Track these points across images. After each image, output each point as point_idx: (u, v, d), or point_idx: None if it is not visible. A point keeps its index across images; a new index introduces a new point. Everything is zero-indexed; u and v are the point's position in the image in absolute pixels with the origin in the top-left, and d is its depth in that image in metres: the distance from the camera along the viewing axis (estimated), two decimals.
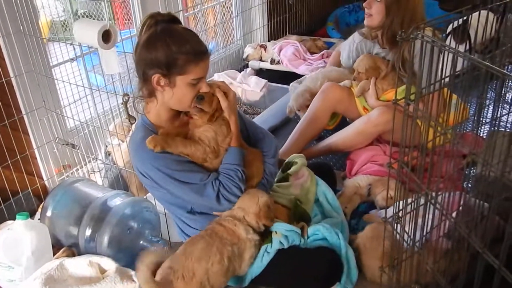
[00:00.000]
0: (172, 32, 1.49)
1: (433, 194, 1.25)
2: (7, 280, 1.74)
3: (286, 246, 1.58)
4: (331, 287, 1.55)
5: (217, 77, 3.18)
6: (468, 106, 1.22)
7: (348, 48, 2.60)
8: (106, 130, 2.35)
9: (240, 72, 3.28)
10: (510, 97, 2.38)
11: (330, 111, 2.45)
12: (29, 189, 2.22)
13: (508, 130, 1.73)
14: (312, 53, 3.53)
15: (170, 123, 1.60)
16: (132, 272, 1.69)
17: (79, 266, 1.73)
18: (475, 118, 1.31)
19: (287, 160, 1.95)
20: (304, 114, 2.51)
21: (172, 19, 1.54)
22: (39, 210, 2.06)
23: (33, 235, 1.75)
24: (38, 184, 2.27)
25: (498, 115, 1.34)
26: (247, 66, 3.57)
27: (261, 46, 3.55)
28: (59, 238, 1.90)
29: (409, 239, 1.35)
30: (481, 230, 1.54)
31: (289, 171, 1.86)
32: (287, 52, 3.43)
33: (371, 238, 1.76)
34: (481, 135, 2.36)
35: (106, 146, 2.38)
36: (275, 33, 3.91)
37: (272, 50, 3.51)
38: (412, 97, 1.11)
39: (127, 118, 1.75)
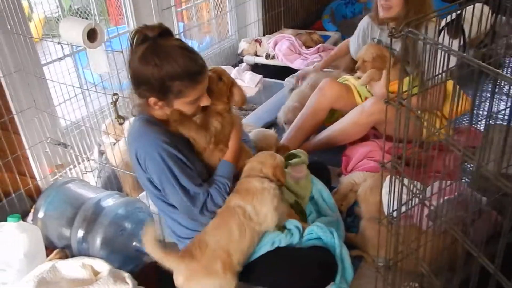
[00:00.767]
0: (163, 52, 1.39)
1: (427, 194, 1.23)
2: None
3: (293, 241, 1.58)
4: (326, 287, 1.54)
5: None
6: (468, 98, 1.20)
7: (356, 36, 2.65)
8: (98, 130, 2.32)
9: (234, 68, 3.24)
10: (506, 90, 2.36)
11: (328, 108, 2.44)
12: (22, 190, 2.20)
13: (505, 124, 1.70)
14: (307, 47, 3.49)
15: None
16: (126, 274, 1.68)
17: (72, 268, 1.71)
18: (472, 112, 1.29)
19: (292, 151, 1.96)
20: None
21: (162, 33, 1.43)
22: (32, 211, 2.04)
23: (25, 238, 1.73)
24: (31, 185, 2.25)
25: (494, 109, 1.32)
26: (242, 61, 3.54)
27: (256, 40, 3.52)
28: (52, 240, 1.88)
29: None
30: (479, 227, 1.53)
31: (291, 161, 1.87)
32: (282, 46, 3.40)
33: (370, 188, 1.86)
34: (480, 129, 2.34)
35: (100, 146, 2.35)
36: (270, 27, 3.87)
37: (267, 45, 3.48)
38: (415, 90, 1.09)
39: (116, 119, 1.72)
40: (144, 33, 1.41)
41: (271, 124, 2.74)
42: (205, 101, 1.51)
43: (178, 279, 1.47)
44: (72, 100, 2.27)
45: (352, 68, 3.10)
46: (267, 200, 1.52)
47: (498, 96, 2.11)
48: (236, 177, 1.61)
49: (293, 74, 3.00)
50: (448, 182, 1.46)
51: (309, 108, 2.45)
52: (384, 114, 2.14)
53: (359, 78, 2.45)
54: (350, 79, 2.56)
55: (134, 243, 1.82)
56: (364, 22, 2.61)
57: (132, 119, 1.60)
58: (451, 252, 1.45)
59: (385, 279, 1.41)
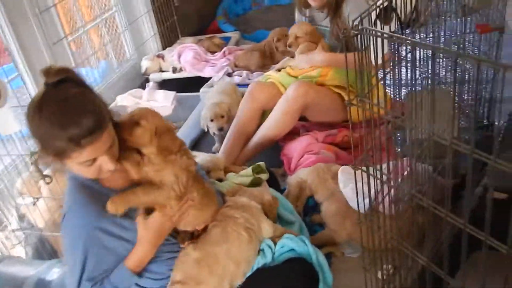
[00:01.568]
0: (52, 106, 1.19)
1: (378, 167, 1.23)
2: None
3: (267, 261, 1.52)
4: None
5: (120, 99, 2.95)
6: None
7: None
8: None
9: (143, 89, 3.07)
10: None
11: (261, 111, 2.39)
12: None
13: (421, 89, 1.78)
14: (212, 52, 3.41)
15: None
16: None
17: None
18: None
19: (256, 164, 1.93)
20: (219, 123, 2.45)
21: (61, 80, 1.21)
22: None
23: None
24: None
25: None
26: (148, 80, 3.36)
27: (158, 56, 3.36)
28: None
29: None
30: (433, 192, 1.58)
31: (262, 176, 1.86)
32: (187, 57, 3.28)
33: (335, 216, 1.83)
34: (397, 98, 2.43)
35: (18, 208, 2.08)
36: (168, 39, 3.72)
37: (171, 58, 3.34)
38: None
39: (41, 179, 1.51)
40: (45, 78, 1.22)
41: (200, 137, 2.63)
42: (107, 165, 1.26)
43: None
44: None
45: (262, 65, 3.08)
46: (264, 223, 1.53)
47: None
48: None
49: (207, 83, 2.91)
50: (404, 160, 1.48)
51: (241, 115, 2.38)
52: (309, 97, 2.22)
53: (292, 57, 2.52)
54: (272, 75, 2.53)
55: None
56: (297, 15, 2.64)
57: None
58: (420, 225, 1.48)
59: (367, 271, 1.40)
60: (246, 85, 2.64)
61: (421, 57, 1.32)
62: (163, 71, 3.35)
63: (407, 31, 1.40)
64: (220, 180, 1.90)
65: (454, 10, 1.71)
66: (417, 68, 1.55)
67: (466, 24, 1.83)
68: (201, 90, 2.88)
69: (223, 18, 4.09)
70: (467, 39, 1.97)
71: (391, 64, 1.13)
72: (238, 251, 1.42)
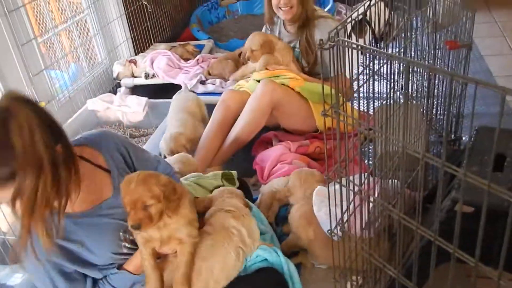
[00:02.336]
0: None
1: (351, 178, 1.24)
2: None
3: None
4: None
5: (91, 104, 2.88)
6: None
7: None
8: None
9: (115, 94, 3.01)
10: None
11: (233, 119, 2.39)
12: None
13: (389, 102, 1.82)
14: (185, 59, 3.39)
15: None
16: None
17: None
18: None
19: (226, 171, 1.93)
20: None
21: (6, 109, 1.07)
22: None
23: None
24: None
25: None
26: (119, 85, 3.30)
27: (130, 61, 3.31)
28: None
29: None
30: (403, 206, 1.61)
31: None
32: (160, 63, 3.24)
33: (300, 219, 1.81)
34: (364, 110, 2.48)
35: None
36: (140, 45, 3.68)
37: (143, 64, 3.29)
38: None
39: None
40: None
41: None
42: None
43: None
44: None
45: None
46: (252, 223, 1.53)
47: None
48: None
49: (180, 90, 2.88)
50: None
51: (214, 123, 2.38)
52: (277, 93, 2.26)
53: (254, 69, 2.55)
54: (243, 84, 2.54)
55: None
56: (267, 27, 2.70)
57: None
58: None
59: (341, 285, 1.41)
60: (220, 94, 2.64)
61: (392, 70, 1.35)
62: (135, 77, 3.30)
63: (381, 44, 1.43)
64: None
65: (425, 25, 1.75)
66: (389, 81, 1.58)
67: (436, 40, 1.88)
68: (174, 97, 2.85)
69: (197, 26, 4.08)
70: (436, 54, 2.03)
71: (364, 77, 1.14)
72: (221, 270, 1.41)
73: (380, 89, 2.42)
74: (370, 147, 2.09)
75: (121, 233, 1.38)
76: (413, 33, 1.62)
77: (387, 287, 1.46)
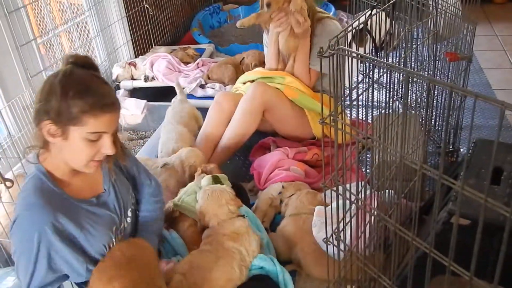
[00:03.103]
0: (76, 77, 1.24)
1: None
2: None
3: None
4: None
5: None
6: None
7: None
8: None
9: None
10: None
11: (227, 121, 2.38)
12: None
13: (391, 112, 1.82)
14: (185, 63, 3.38)
15: (72, 175, 1.36)
16: None
17: None
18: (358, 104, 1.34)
19: (216, 175, 1.89)
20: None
21: (85, 64, 1.30)
22: None
23: None
24: None
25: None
26: (118, 87, 3.30)
27: (130, 63, 3.31)
28: None
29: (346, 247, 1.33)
30: (399, 216, 1.60)
31: None
32: (160, 66, 3.24)
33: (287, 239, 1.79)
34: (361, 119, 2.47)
35: None
36: (141, 47, 3.68)
37: (143, 67, 3.29)
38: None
39: (1, 183, 1.45)
40: (68, 60, 1.29)
41: None
42: (108, 147, 1.30)
43: None
44: None
45: (235, 79, 3.08)
46: (252, 237, 1.57)
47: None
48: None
49: (176, 96, 2.87)
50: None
51: (208, 126, 2.38)
52: (267, 95, 2.24)
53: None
54: (240, 87, 2.54)
55: None
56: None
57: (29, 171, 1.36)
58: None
59: None
60: None
61: (391, 80, 1.35)
62: (134, 79, 3.29)
63: (381, 54, 1.43)
64: None
65: (425, 36, 1.75)
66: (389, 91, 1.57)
67: (436, 52, 1.88)
68: (173, 100, 2.84)
69: (198, 29, 4.08)
70: (436, 65, 2.03)
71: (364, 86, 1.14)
72: (227, 282, 1.46)
73: (380, 98, 2.43)
74: (368, 155, 2.08)
75: (114, 227, 1.43)
76: (413, 43, 1.62)
77: None
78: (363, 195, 1.25)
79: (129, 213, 1.54)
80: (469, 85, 2.34)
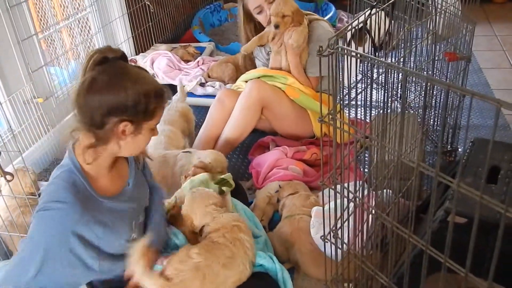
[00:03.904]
0: (132, 72, 1.26)
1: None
2: None
3: None
4: None
5: None
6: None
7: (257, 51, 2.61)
8: None
9: None
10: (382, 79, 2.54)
11: (228, 118, 2.39)
12: None
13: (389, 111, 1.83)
14: (186, 61, 3.39)
15: (104, 171, 1.37)
16: None
17: None
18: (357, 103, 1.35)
19: (223, 176, 1.89)
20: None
21: (122, 56, 1.31)
22: None
23: None
24: None
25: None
26: None
27: (131, 60, 3.31)
28: None
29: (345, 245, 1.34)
30: (397, 215, 1.62)
31: (224, 189, 1.82)
32: (160, 64, 3.25)
33: (284, 240, 1.80)
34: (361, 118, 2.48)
35: None
36: (141, 44, 3.68)
37: (143, 64, 3.30)
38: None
39: (1, 176, 1.46)
40: (105, 54, 1.26)
41: None
42: (156, 131, 1.37)
43: None
44: None
45: (235, 77, 3.09)
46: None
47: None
48: None
49: (176, 94, 2.88)
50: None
51: (210, 122, 2.39)
52: (265, 92, 2.25)
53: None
54: (241, 85, 2.55)
55: None
56: None
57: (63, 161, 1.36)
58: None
59: None
60: None
61: (389, 79, 1.36)
62: None
63: (380, 53, 1.44)
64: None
65: (424, 36, 1.76)
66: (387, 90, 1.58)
67: (435, 51, 1.89)
68: (173, 97, 2.85)
69: (198, 28, 4.08)
70: (435, 65, 2.04)
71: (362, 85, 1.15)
72: (235, 283, 1.44)
73: (378, 97, 2.44)
74: (366, 154, 2.10)
75: (133, 222, 1.46)
76: (412, 43, 1.63)
77: None
78: (361, 194, 1.26)
79: (143, 210, 1.57)
80: (468, 85, 2.35)
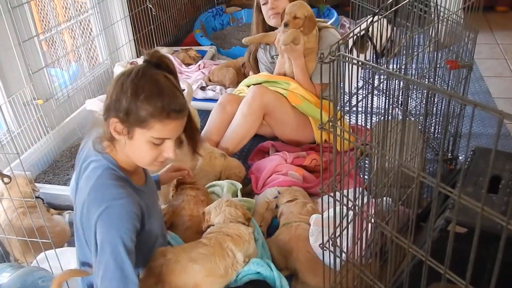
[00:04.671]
0: (148, 78, 1.25)
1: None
2: None
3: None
4: None
5: (90, 103, 2.88)
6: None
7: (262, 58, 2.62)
8: None
9: None
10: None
11: (229, 122, 2.39)
12: None
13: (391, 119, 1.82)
14: (187, 64, 3.39)
15: (134, 166, 1.40)
16: None
17: None
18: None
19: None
20: None
21: (160, 64, 1.30)
22: None
23: None
24: None
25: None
26: None
27: (132, 63, 3.31)
28: None
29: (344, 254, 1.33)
30: (396, 223, 1.60)
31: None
32: None
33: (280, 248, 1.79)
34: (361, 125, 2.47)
35: None
36: (143, 47, 3.67)
37: None
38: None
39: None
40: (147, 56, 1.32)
41: None
42: (170, 151, 1.31)
43: None
44: None
45: (236, 81, 3.08)
46: (252, 247, 1.57)
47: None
48: None
49: None
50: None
51: (211, 126, 2.39)
52: (267, 97, 2.25)
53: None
54: (243, 90, 2.54)
55: None
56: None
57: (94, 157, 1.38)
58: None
59: None
60: None
61: (391, 86, 1.35)
62: None
63: (382, 60, 1.44)
64: None
65: (426, 44, 1.76)
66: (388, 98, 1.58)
67: (437, 59, 1.89)
68: None
69: (200, 31, 4.08)
70: (437, 73, 2.03)
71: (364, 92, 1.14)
72: (205, 276, 1.44)
73: (379, 105, 2.43)
74: (366, 162, 2.09)
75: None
76: (414, 51, 1.63)
77: None
78: (360, 202, 1.25)
79: None
80: (470, 93, 2.34)
